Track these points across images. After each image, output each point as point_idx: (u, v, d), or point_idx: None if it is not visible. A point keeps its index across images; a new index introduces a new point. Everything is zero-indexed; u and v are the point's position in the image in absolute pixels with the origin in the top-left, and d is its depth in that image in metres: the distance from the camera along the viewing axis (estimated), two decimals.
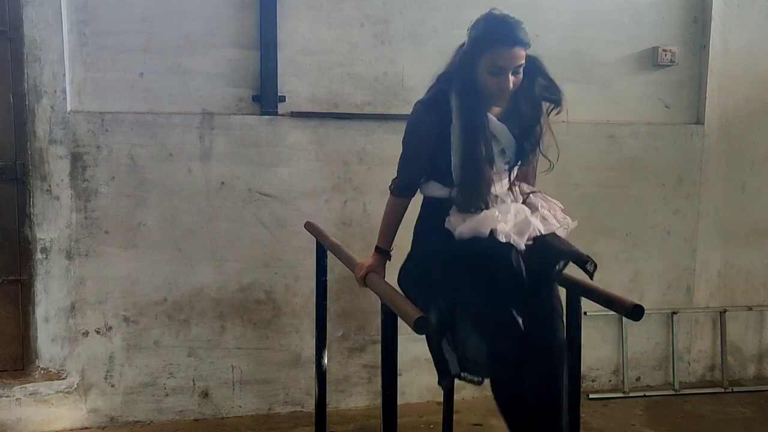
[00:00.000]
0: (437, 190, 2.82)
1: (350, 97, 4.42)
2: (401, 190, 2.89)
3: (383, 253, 2.92)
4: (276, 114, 4.28)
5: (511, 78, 2.62)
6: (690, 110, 4.98)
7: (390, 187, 2.95)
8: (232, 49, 4.25)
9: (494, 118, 2.73)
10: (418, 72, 4.49)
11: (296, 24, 4.31)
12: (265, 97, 4.26)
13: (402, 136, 4.38)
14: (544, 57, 4.63)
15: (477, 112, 2.68)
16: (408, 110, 4.43)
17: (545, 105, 2.83)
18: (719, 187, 5.01)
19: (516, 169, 2.87)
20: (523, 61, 2.64)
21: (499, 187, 2.79)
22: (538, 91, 2.78)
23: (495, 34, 2.62)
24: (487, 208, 2.68)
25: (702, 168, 4.96)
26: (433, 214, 2.77)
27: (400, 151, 2.94)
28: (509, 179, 2.85)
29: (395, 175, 2.96)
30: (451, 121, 2.68)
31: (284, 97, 4.30)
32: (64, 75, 4.00)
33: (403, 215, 2.92)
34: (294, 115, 4.31)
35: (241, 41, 4.25)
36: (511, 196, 2.83)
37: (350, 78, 4.40)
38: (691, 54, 4.92)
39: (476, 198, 2.67)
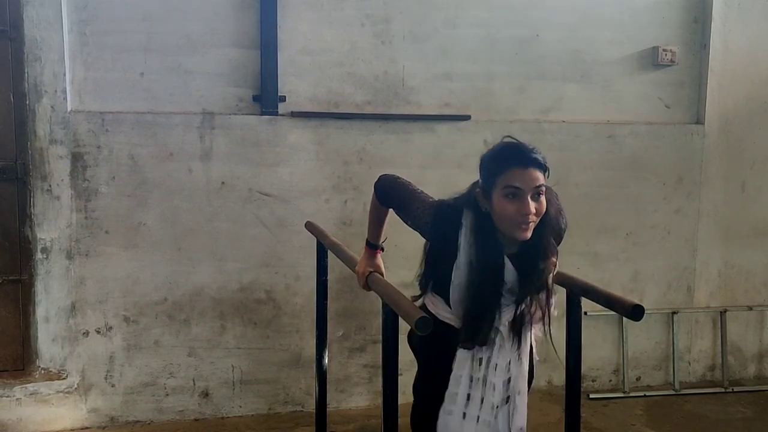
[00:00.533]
0: (443, 310, 2.58)
1: (351, 96, 4.42)
2: (381, 199, 2.78)
3: (374, 247, 2.85)
4: (276, 114, 4.28)
5: (532, 204, 2.35)
6: (690, 110, 4.98)
7: (375, 184, 2.81)
8: (233, 49, 4.25)
9: (509, 262, 2.47)
10: (418, 71, 4.49)
11: (297, 24, 4.31)
12: (266, 97, 4.26)
13: (402, 136, 4.40)
14: (545, 57, 4.68)
15: (494, 253, 2.44)
16: (409, 110, 4.49)
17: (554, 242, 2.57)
18: (719, 186, 5.01)
19: (522, 305, 2.56)
20: (543, 185, 2.39)
21: (504, 320, 2.55)
22: (550, 231, 2.53)
23: (509, 155, 2.42)
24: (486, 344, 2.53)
25: (702, 167, 4.96)
26: (439, 335, 2.46)
27: (404, 188, 2.75)
28: (514, 314, 2.55)
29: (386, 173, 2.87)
30: (454, 251, 2.48)
31: (284, 96, 4.30)
32: (65, 75, 4.00)
33: (387, 215, 2.85)
34: (294, 114, 4.31)
35: (242, 41, 4.25)
36: (512, 336, 2.58)
37: (351, 78, 4.40)
38: (692, 54, 4.92)
39: (479, 337, 2.50)
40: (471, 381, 2.55)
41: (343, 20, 4.37)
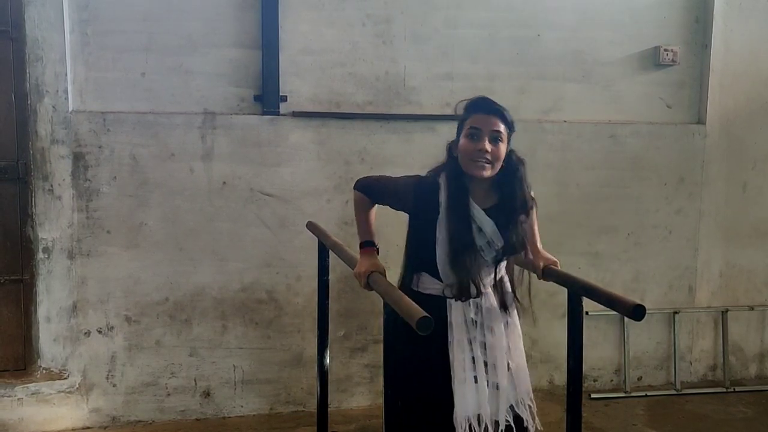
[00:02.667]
0: (429, 284, 2.76)
1: (352, 96, 4.42)
2: (369, 194, 2.92)
3: (369, 245, 2.88)
4: (277, 114, 4.28)
5: (488, 144, 2.65)
6: (691, 110, 4.98)
7: (357, 185, 2.95)
8: (234, 49, 4.25)
9: (481, 210, 2.70)
10: (419, 71, 4.49)
11: (298, 24, 4.31)
12: (267, 97, 4.26)
13: (403, 136, 4.40)
14: (546, 57, 4.68)
15: (462, 200, 2.69)
16: (410, 110, 4.50)
17: (531, 201, 2.80)
18: (721, 186, 5.01)
19: (503, 264, 2.83)
20: (501, 131, 2.69)
21: (486, 279, 2.78)
22: (524, 187, 2.77)
23: (475, 104, 2.74)
24: (478, 296, 2.71)
25: (703, 167, 4.96)
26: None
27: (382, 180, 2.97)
28: (495, 273, 2.81)
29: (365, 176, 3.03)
30: (436, 212, 2.70)
31: (286, 96, 4.31)
32: (66, 75, 4.01)
33: (371, 207, 2.93)
34: (295, 114, 4.31)
35: (243, 41, 4.25)
36: (496, 292, 2.82)
37: (352, 78, 4.41)
38: (693, 54, 4.92)
39: (465, 290, 2.69)
40: (471, 344, 2.71)
41: (344, 20, 4.37)
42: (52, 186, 4.04)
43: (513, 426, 2.76)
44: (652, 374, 5.03)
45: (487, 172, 2.66)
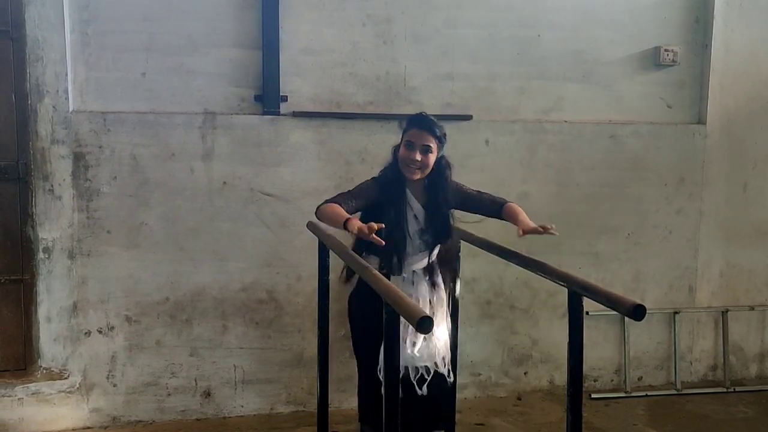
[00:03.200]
0: (372, 261, 3.34)
1: (352, 96, 4.42)
2: (326, 202, 3.33)
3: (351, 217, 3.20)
4: (278, 114, 4.28)
5: (419, 155, 3.32)
6: (692, 110, 4.98)
7: (319, 209, 3.33)
8: (234, 49, 4.25)
9: (417, 202, 3.43)
10: (420, 71, 4.49)
11: (298, 24, 4.31)
12: (267, 97, 4.26)
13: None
14: (546, 57, 4.68)
15: (398, 187, 3.40)
16: (410, 110, 4.49)
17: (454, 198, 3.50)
18: (721, 186, 5.01)
19: (435, 251, 3.53)
20: (431, 145, 3.33)
21: (419, 263, 3.49)
22: (448, 187, 3.47)
23: (412, 121, 3.40)
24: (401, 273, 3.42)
25: (704, 168, 4.96)
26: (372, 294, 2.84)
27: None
28: (429, 259, 3.51)
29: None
30: (387, 195, 3.39)
31: (286, 96, 4.31)
32: (67, 75, 4.01)
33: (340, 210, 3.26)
34: (296, 114, 4.31)
35: (243, 41, 4.25)
36: (426, 272, 3.52)
37: (352, 78, 4.41)
38: (693, 54, 4.92)
39: (395, 266, 3.39)
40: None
41: (344, 20, 4.37)
42: (52, 186, 4.04)
43: (434, 375, 3.47)
44: (652, 374, 5.03)
45: (417, 176, 3.37)
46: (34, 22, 3.93)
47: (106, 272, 4.16)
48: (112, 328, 4.20)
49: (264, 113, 4.28)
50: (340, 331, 4.42)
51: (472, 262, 4.44)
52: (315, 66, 4.36)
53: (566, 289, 2.75)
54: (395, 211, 3.36)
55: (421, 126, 3.34)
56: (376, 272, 2.74)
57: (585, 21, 4.73)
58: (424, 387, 3.45)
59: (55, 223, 4.06)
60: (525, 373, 4.83)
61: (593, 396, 4.78)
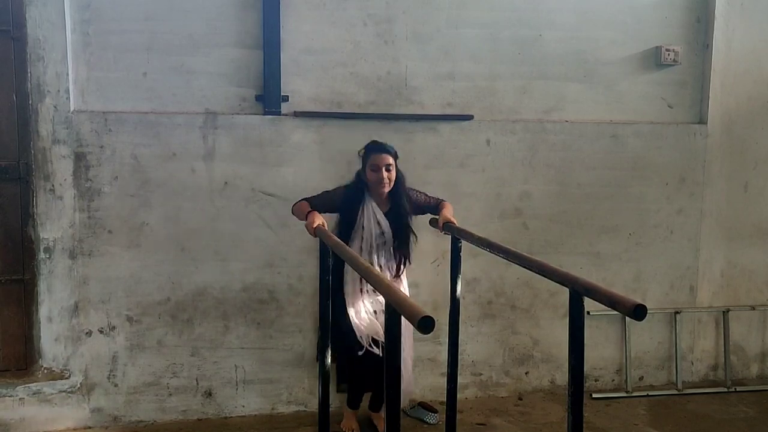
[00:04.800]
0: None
1: (353, 96, 4.42)
2: (300, 201, 3.96)
3: (313, 210, 3.86)
4: (279, 114, 4.29)
5: (385, 173, 3.89)
6: (693, 109, 4.98)
7: (294, 204, 3.98)
8: (235, 49, 4.25)
9: (378, 209, 3.98)
10: (421, 71, 4.49)
11: (299, 23, 4.31)
12: (269, 97, 4.26)
13: (405, 135, 4.45)
14: (547, 57, 4.68)
15: (360, 196, 3.97)
16: (412, 110, 4.51)
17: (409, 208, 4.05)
18: (722, 186, 5.01)
19: (399, 254, 4.04)
20: (391, 163, 3.91)
21: (387, 260, 4.02)
22: (404, 195, 4.03)
23: (370, 149, 3.95)
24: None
25: (705, 167, 4.96)
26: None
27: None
28: (395, 260, 4.04)
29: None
30: (355, 212, 3.97)
31: (287, 96, 4.31)
32: (68, 74, 4.01)
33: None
34: (297, 114, 4.31)
35: (244, 41, 4.25)
36: (389, 268, 4.03)
37: (353, 77, 4.41)
38: (694, 53, 4.92)
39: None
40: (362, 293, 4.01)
41: (345, 20, 4.37)
42: (53, 186, 4.04)
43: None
44: (653, 374, 5.03)
45: (386, 189, 3.94)
46: (35, 21, 3.94)
47: (107, 272, 4.16)
48: (113, 328, 4.20)
49: (265, 113, 4.28)
50: None
51: (473, 262, 4.45)
52: (316, 66, 4.36)
53: (567, 289, 2.75)
54: (366, 221, 3.95)
55: (380, 150, 3.92)
56: (378, 272, 2.74)
57: (586, 21, 4.73)
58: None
59: (56, 223, 4.06)
60: (526, 373, 4.83)
61: (594, 396, 4.78)
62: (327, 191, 4.04)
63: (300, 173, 4.33)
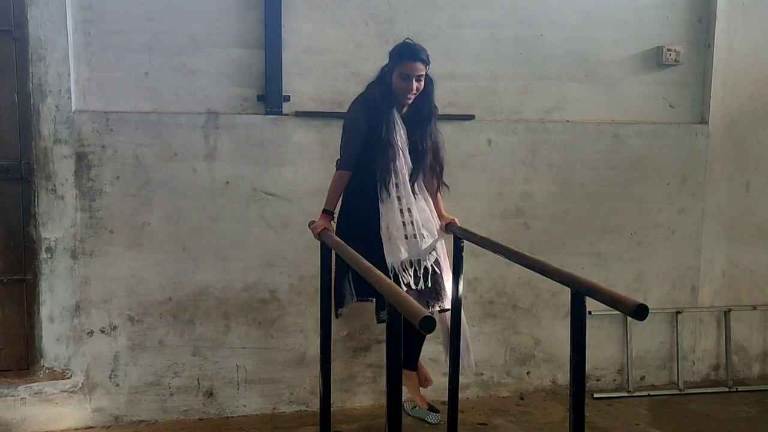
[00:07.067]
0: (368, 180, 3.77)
1: (355, 96, 4.41)
2: (344, 165, 3.80)
3: (330, 213, 3.78)
4: (280, 113, 4.29)
5: (415, 83, 3.68)
6: (694, 109, 4.98)
7: (336, 163, 3.85)
8: (237, 49, 4.25)
9: (398, 116, 3.76)
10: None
11: (301, 23, 4.31)
12: (270, 97, 4.26)
13: None
14: (549, 57, 4.68)
15: (388, 106, 3.73)
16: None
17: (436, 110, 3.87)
18: (724, 186, 5.00)
19: (420, 174, 3.86)
20: (423, 73, 3.69)
21: (406, 176, 3.80)
22: (432, 101, 3.84)
23: (405, 53, 3.68)
24: (393, 187, 3.76)
25: (706, 167, 4.95)
26: (356, 193, 3.83)
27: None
28: (417, 178, 3.85)
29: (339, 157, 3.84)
30: (376, 117, 3.71)
31: (289, 96, 4.31)
32: (69, 74, 4.01)
33: (345, 185, 3.79)
34: (298, 114, 4.32)
35: (246, 41, 4.26)
36: (416, 193, 3.85)
37: (355, 77, 4.40)
38: (696, 53, 4.92)
39: (387, 171, 3.73)
40: (401, 213, 3.80)
41: (347, 20, 4.38)
42: (55, 186, 4.04)
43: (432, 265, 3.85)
44: (654, 374, 5.03)
45: (411, 99, 3.74)
46: (36, 21, 3.94)
47: (109, 272, 4.16)
48: (115, 327, 4.21)
49: (266, 113, 4.28)
50: (342, 330, 4.43)
51: (474, 261, 4.45)
52: (317, 66, 4.36)
53: (569, 289, 2.75)
54: (386, 131, 3.71)
55: (413, 58, 3.65)
56: (378, 272, 2.74)
57: (587, 21, 4.73)
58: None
59: (57, 222, 4.06)
60: (527, 373, 4.83)
61: (596, 396, 4.78)
62: (348, 137, 3.77)
63: (301, 173, 4.33)
